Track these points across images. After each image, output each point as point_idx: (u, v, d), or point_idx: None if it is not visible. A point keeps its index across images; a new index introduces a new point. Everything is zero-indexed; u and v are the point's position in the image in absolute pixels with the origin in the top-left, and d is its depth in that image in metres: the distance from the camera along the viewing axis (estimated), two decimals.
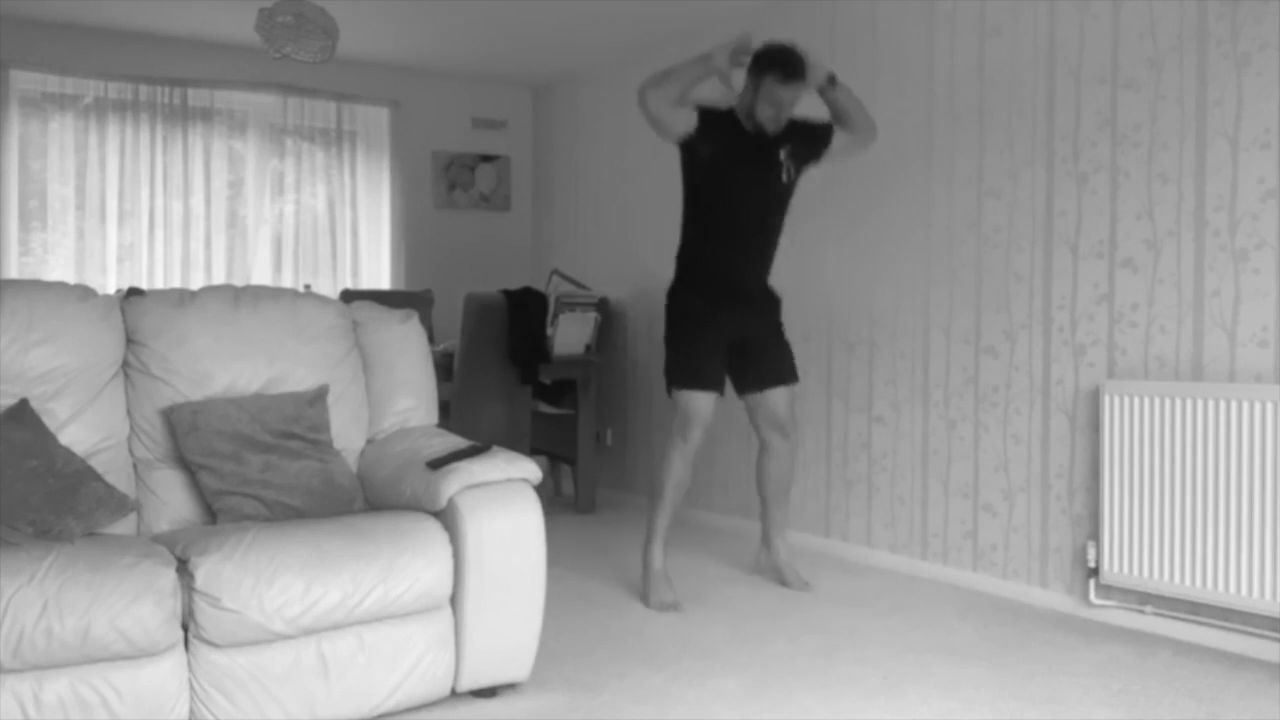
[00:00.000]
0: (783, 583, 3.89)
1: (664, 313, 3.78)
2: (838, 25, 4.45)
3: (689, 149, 3.61)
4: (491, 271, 6.38)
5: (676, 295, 3.73)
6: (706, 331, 3.66)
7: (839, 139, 3.73)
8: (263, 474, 2.74)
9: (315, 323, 3.05)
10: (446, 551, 2.56)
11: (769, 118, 3.52)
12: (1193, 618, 3.22)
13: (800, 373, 3.94)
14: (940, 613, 3.54)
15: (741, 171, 3.62)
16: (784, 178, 3.66)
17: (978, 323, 3.88)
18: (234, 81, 5.58)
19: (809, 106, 3.68)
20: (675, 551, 4.45)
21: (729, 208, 3.66)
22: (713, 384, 3.66)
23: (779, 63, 3.46)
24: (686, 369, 3.65)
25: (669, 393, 3.71)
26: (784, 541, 3.96)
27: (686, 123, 3.55)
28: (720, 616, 3.49)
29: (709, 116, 3.58)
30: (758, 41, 3.57)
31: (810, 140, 3.69)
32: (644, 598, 3.67)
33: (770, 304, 3.83)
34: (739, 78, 3.60)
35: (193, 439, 2.73)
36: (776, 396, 3.78)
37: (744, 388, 3.81)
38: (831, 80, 3.62)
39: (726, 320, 3.67)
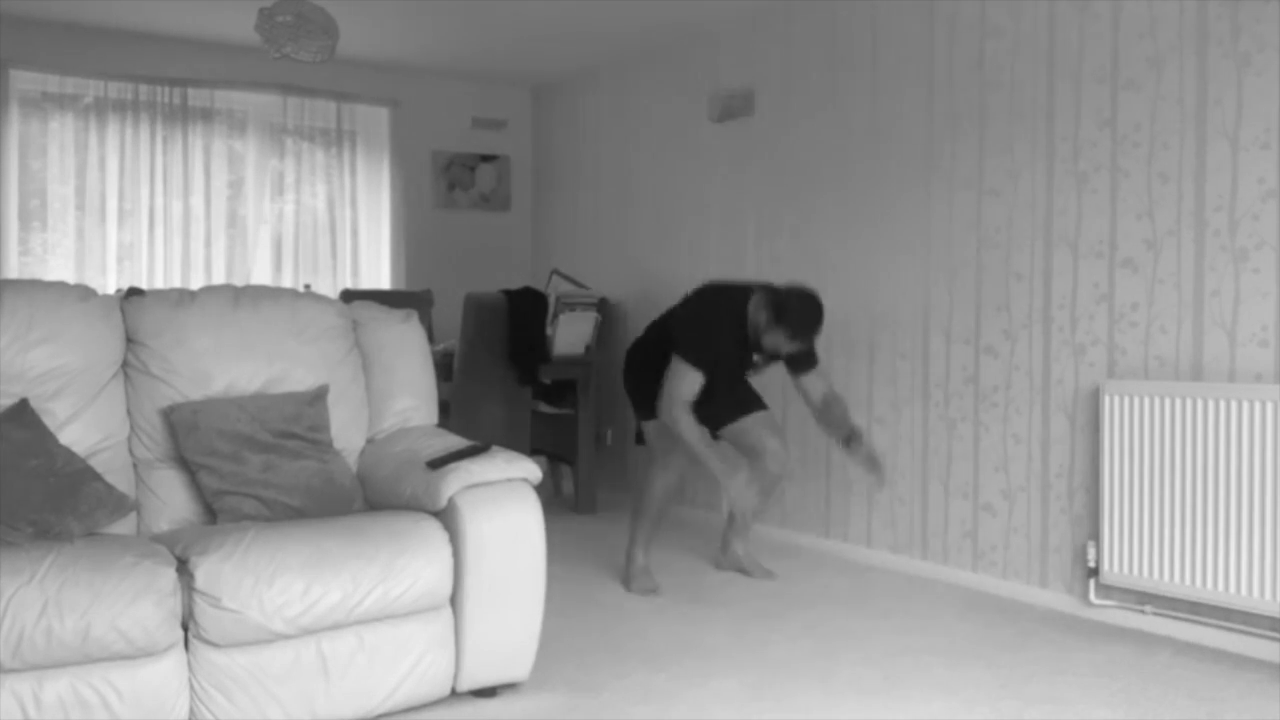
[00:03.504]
0: (745, 572, 4.09)
1: None
2: (838, 25, 4.45)
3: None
4: (491, 271, 6.38)
5: None
6: None
7: (809, 385, 3.85)
8: (263, 474, 2.74)
9: (315, 323, 3.05)
10: (446, 551, 2.56)
11: (768, 352, 3.70)
12: (1193, 618, 3.22)
13: None
14: (940, 613, 3.54)
15: (727, 362, 3.75)
16: (755, 366, 3.84)
17: (978, 323, 3.88)
18: (234, 81, 5.58)
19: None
20: (676, 551, 4.45)
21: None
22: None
23: (799, 327, 3.59)
24: None
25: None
26: (742, 541, 4.13)
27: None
28: (720, 617, 3.49)
29: (717, 340, 3.66)
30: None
31: (791, 361, 3.81)
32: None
33: None
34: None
35: (193, 439, 2.73)
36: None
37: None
38: (856, 436, 3.78)
39: None
